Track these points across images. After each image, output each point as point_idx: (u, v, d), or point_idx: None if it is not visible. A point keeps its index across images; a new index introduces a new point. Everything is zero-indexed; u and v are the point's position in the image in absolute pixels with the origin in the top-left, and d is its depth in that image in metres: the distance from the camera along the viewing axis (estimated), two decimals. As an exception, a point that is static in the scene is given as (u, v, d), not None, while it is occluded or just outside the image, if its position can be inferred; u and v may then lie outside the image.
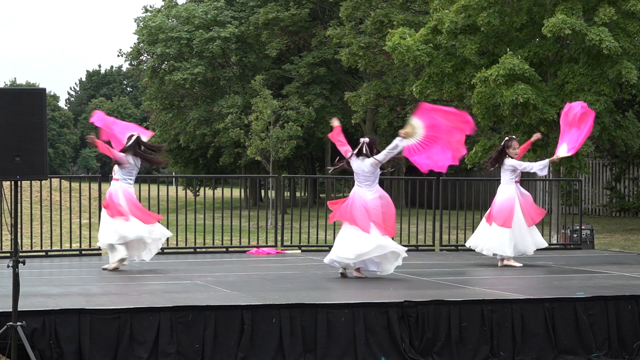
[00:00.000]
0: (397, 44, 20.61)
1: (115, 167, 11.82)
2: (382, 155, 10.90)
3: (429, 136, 11.00)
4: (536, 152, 20.49)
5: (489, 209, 12.87)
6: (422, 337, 8.44)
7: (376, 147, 11.06)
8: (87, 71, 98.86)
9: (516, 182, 12.71)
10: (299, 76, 35.94)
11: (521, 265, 12.62)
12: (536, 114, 19.51)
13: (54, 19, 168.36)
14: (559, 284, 10.65)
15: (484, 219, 12.96)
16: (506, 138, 12.87)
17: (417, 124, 10.99)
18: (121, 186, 11.68)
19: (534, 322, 8.70)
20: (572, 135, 12.42)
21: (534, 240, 12.85)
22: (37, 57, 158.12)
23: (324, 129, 37.19)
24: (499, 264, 12.67)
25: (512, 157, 12.64)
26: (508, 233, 12.52)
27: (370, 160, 10.88)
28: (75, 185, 25.27)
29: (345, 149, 11.24)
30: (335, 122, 11.66)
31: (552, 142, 20.20)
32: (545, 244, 13.12)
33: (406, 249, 11.15)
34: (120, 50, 70.49)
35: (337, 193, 53.29)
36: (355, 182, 11.04)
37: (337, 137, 11.41)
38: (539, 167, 12.50)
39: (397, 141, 10.91)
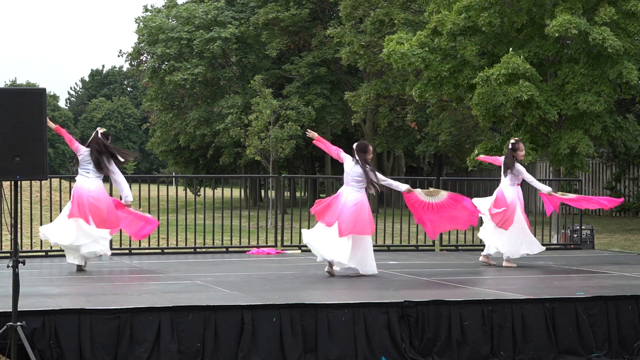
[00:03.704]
0: (391, 50, 20.51)
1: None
2: (376, 178, 11.08)
3: (445, 203, 11.37)
4: (537, 152, 20.48)
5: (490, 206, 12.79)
6: (422, 337, 8.43)
7: (366, 152, 11.11)
8: (92, 70, 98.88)
9: (517, 184, 12.71)
10: (299, 76, 35.93)
11: (515, 265, 12.71)
12: (538, 112, 19.49)
13: (55, 19, 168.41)
14: (559, 284, 10.65)
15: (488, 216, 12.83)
16: (512, 141, 12.75)
17: (442, 193, 11.41)
18: (78, 182, 11.24)
19: (534, 322, 8.69)
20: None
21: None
22: (37, 57, 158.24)
23: (324, 129, 37.15)
24: (504, 263, 12.69)
25: (519, 161, 12.60)
26: (514, 234, 12.57)
27: (366, 171, 11.02)
28: (75, 185, 25.20)
29: (333, 149, 11.44)
30: (311, 134, 11.69)
31: (552, 142, 20.19)
32: (542, 248, 13.12)
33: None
34: (121, 50, 70.57)
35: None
36: (345, 182, 11.16)
37: (319, 143, 11.58)
38: (538, 186, 12.85)
39: (401, 187, 11.35)
